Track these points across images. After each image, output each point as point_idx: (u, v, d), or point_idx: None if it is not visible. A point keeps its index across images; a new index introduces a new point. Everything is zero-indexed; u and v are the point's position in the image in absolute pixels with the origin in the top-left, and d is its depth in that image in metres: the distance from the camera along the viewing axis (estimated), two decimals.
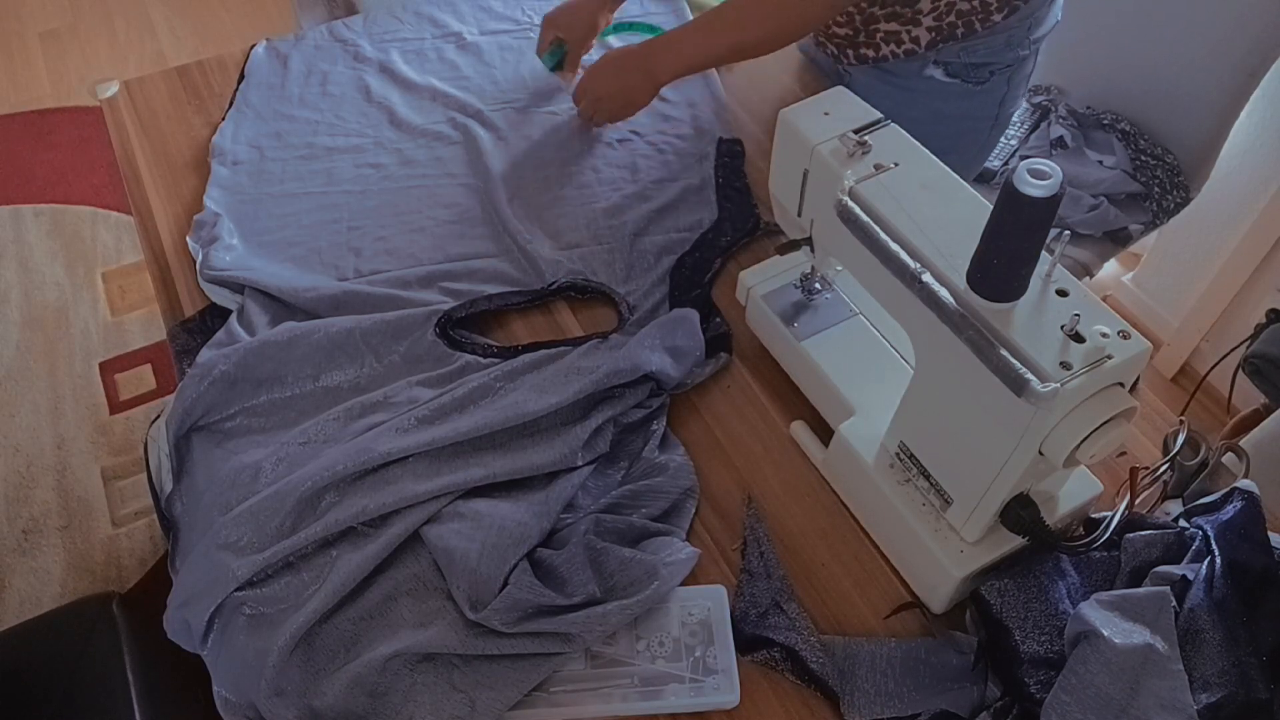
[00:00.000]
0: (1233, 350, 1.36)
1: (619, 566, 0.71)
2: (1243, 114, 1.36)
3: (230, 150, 1.11)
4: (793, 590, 0.73)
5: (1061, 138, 1.46)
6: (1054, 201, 0.54)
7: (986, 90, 1.11)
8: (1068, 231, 0.60)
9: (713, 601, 0.72)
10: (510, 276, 0.96)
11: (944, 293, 0.61)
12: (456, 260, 0.98)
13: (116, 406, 1.84)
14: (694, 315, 0.88)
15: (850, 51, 1.13)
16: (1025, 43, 1.08)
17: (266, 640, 0.68)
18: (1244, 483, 0.69)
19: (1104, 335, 0.58)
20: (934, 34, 1.05)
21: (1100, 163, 1.43)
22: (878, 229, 0.66)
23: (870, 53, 1.11)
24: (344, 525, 0.73)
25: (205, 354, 0.87)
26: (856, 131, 0.71)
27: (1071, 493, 0.71)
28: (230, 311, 0.93)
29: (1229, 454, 0.76)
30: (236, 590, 0.71)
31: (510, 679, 0.67)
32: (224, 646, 0.71)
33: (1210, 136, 1.39)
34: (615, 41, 1.26)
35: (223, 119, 1.16)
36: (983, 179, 1.43)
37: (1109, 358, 0.57)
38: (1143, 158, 1.42)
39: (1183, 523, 0.70)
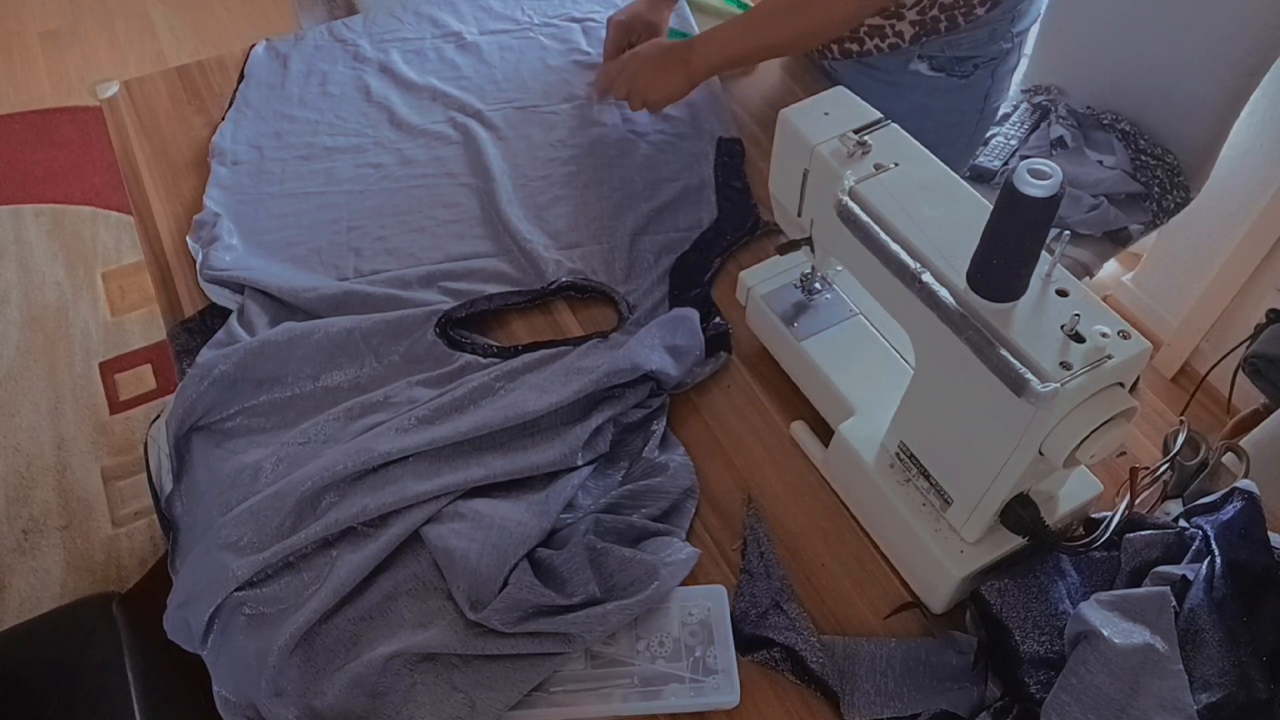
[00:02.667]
0: (1233, 350, 1.36)
1: (619, 566, 0.71)
2: (1243, 114, 1.36)
3: (230, 150, 1.11)
4: (793, 590, 0.73)
5: (1061, 138, 1.46)
6: (1054, 201, 0.54)
7: (971, 84, 1.12)
8: (1068, 231, 0.60)
9: (713, 601, 0.72)
10: (510, 276, 0.96)
11: (944, 293, 0.61)
12: (456, 260, 0.98)
13: (116, 406, 1.84)
14: (694, 314, 0.88)
15: (835, 46, 1.14)
16: (1008, 35, 1.09)
17: (266, 640, 0.68)
18: (1244, 483, 0.69)
19: (1104, 335, 0.58)
20: (917, 28, 1.06)
21: (1100, 163, 1.43)
22: (878, 229, 0.66)
23: (854, 47, 1.12)
24: (344, 525, 0.73)
25: (205, 354, 0.87)
26: (856, 131, 0.71)
27: (1071, 493, 0.71)
28: (230, 311, 0.93)
29: (1229, 454, 0.76)
30: (236, 590, 0.71)
31: (510, 679, 0.67)
32: (224, 646, 0.71)
33: (1210, 136, 1.39)
34: None
35: (223, 119, 1.16)
36: (983, 179, 1.43)
37: (1109, 358, 0.57)
38: (1143, 158, 1.42)
39: (1183, 523, 0.70)
